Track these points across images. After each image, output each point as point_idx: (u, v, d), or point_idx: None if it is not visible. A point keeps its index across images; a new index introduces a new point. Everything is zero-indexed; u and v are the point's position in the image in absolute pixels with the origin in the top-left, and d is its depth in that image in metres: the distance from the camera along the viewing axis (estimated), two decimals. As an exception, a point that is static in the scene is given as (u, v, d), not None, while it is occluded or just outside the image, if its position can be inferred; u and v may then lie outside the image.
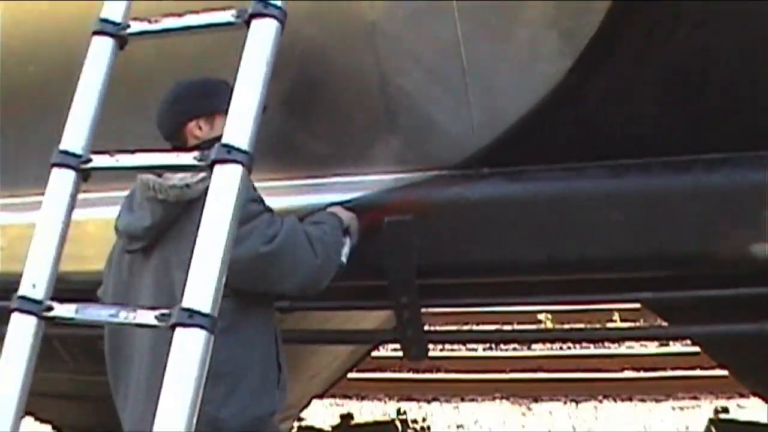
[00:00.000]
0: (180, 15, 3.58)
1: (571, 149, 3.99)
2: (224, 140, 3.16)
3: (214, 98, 3.89)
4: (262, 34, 3.38)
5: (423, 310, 4.38)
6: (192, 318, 2.95)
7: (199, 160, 3.23)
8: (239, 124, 3.21)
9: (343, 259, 4.01)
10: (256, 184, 3.83)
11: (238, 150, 3.15)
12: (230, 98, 3.44)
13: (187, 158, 3.30)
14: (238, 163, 3.13)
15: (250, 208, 3.63)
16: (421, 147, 4.11)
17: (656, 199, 3.93)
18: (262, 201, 3.79)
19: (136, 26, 3.60)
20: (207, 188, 3.25)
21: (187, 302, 2.98)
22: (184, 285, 3.04)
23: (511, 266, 4.04)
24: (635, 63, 3.87)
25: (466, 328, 11.89)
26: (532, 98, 3.90)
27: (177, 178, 3.72)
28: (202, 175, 3.59)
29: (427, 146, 4.10)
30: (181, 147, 3.87)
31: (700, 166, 3.92)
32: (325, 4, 4.15)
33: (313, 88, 4.27)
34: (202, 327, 2.94)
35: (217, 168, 3.16)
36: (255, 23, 3.38)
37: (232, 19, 3.47)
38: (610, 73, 3.88)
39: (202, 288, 3.00)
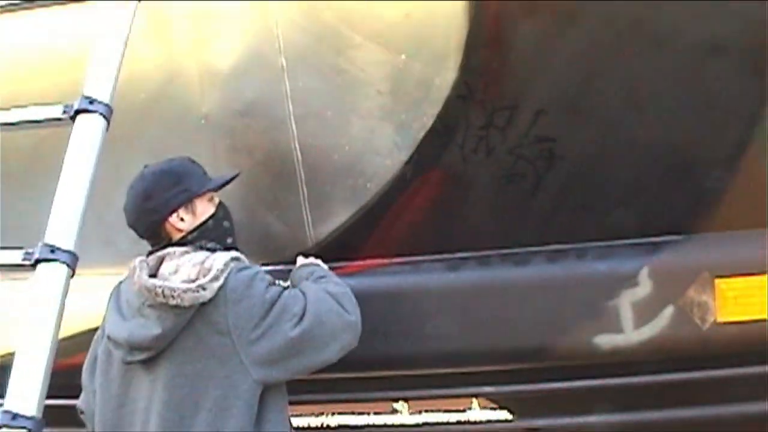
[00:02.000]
0: (7, 109, 3.54)
1: (407, 242, 3.96)
2: (47, 239, 3.20)
3: (187, 183, 3.68)
4: (87, 130, 3.36)
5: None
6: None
7: (24, 260, 3.25)
8: (62, 224, 3.22)
9: None
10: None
11: (62, 250, 3.19)
12: (200, 176, 3.70)
13: (12, 257, 3.34)
14: (62, 263, 3.17)
15: (268, 294, 3.47)
16: (256, 242, 4.05)
17: (496, 292, 3.90)
18: (272, 282, 3.57)
19: (-36, 119, 3.57)
20: (220, 287, 3.38)
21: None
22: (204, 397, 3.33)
23: (347, 362, 3.95)
24: (473, 154, 3.85)
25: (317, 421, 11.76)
26: (367, 191, 3.88)
27: (185, 280, 3.47)
28: (213, 274, 3.43)
29: (262, 241, 4.06)
30: (167, 243, 3.69)
31: (541, 257, 3.91)
32: (159, 99, 4.11)
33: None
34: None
35: (41, 267, 3.20)
36: (80, 119, 3.38)
37: (59, 115, 3.45)
38: (447, 164, 3.86)
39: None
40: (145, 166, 3.77)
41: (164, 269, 3.57)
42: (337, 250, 3.97)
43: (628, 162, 3.83)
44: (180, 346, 3.48)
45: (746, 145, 3.78)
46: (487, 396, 4.24)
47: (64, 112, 3.43)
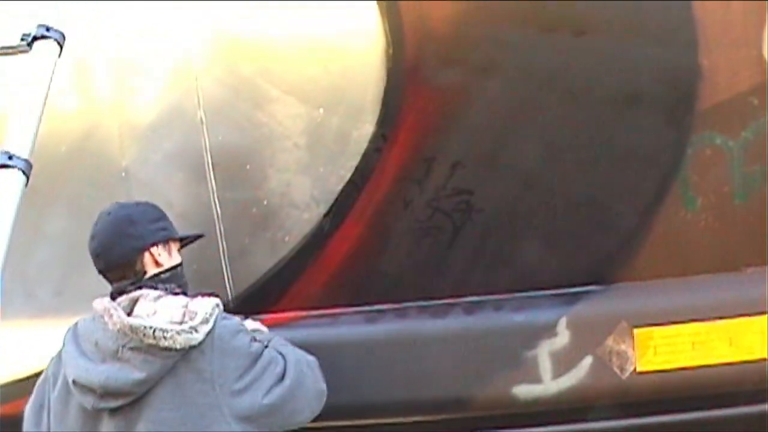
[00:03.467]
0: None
1: (325, 295, 3.97)
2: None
3: (165, 223, 3.64)
4: (5, 187, 3.33)
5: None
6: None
7: None
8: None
9: None
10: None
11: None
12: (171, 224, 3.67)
13: None
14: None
15: (252, 348, 3.40)
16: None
17: (413, 344, 3.90)
18: (251, 335, 3.48)
19: None
20: (208, 332, 3.31)
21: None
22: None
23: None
24: (390, 207, 3.87)
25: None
26: (284, 245, 3.89)
27: (173, 322, 3.34)
28: (202, 317, 3.32)
29: (182, 294, 4.00)
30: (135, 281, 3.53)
31: (459, 309, 3.92)
32: (80, 152, 4.11)
33: (72, 233, 4.14)
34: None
35: None
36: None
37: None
38: (365, 217, 3.88)
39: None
40: (116, 203, 3.68)
41: (140, 311, 3.40)
42: (255, 303, 3.96)
43: (546, 213, 3.87)
44: (158, 392, 3.31)
45: (664, 194, 3.84)
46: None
47: (-19, 167, 3.42)
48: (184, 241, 3.72)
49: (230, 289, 3.96)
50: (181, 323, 3.30)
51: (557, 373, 3.85)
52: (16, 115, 3.30)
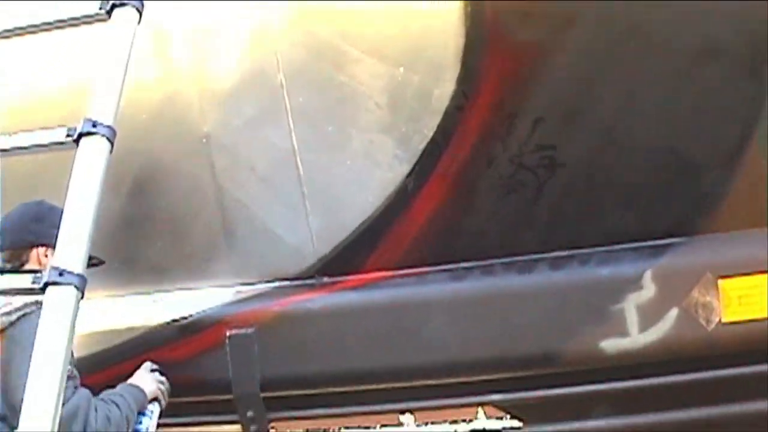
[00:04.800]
0: (9, 134, 3.52)
1: (411, 254, 3.97)
2: (54, 263, 3.11)
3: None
4: (91, 153, 3.33)
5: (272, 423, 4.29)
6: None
7: (33, 283, 3.19)
8: (70, 247, 3.17)
9: (150, 428, 3.93)
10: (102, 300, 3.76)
11: (70, 273, 3.10)
12: None
13: (22, 281, 3.26)
14: (70, 285, 3.09)
15: None
16: (260, 258, 4.07)
17: (501, 300, 3.91)
18: None
19: (-32, 146, 3.54)
20: (11, 322, 3.54)
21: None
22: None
23: (356, 375, 3.99)
24: (474, 164, 3.86)
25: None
26: (370, 204, 3.89)
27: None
28: (12, 306, 3.58)
29: (266, 257, 4.06)
30: (13, 267, 3.76)
31: (545, 264, 3.92)
32: (160, 118, 4.12)
33: (150, 202, 4.21)
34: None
35: (50, 290, 3.11)
36: (84, 142, 3.34)
37: (62, 139, 3.41)
38: (448, 176, 3.86)
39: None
40: (42, 200, 3.93)
41: None
42: (341, 264, 3.98)
43: (629, 166, 3.84)
44: None
45: (745, 145, 3.79)
46: (495, 404, 4.24)
47: (68, 135, 3.40)
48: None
49: (315, 251, 3.98)
50: None
51: (644, 327, 3.83)
52: (98, 84, 3.30)
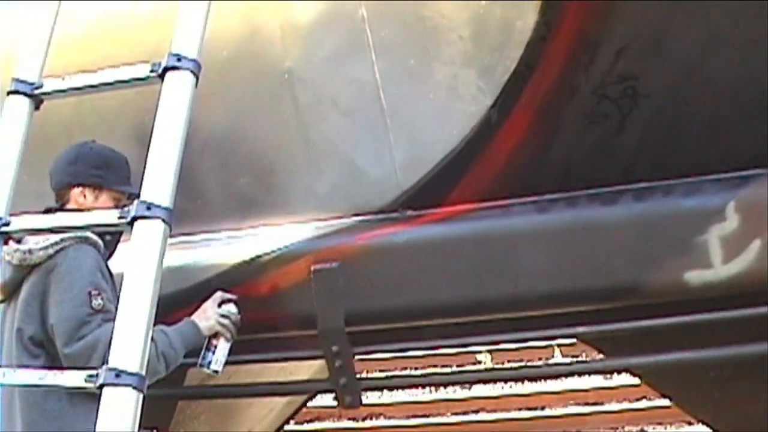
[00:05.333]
0: (95, 71, 3.53)
1: (495, 186, 3.97)
2: (143, 197, 3.12)
3: (107, 173, 3.88)
4: (177, 88, 3.33)
5: (357, 357, 4.31)
6: (120, 377, 2.91)
7: (120, 218, 3.19)
8: (157, 180, 3.17)
9: (215, 366, 3.98)
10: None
11: (158, 206, 3.11)
12: (123, 177, 3.82)
13: (108, 216, 3.27)
14: (158, 219, 3.10)
15: (80, 297, 3.59)
16: (344, 192, 4.08)
17: (585, 232, 3.91)
18: (99, 293, 3.63)
19: (50, 84, 3.55)
20: (49, 256, 3.58)
21: (114, 362, 2.94)
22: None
23: (441, 309, 4.00)
24: (557, 96, 3.84)
25: (404, 372, 11.78)
26: (453, 137, 3.88)
27: (31, 243, 3.68)
28: (50, 242, 3.63)
29: (350, 191, 4.07)
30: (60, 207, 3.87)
31: (629, 196, 3.91)
32: (241, 54, 4.13)
33: (234, 137, 4.23)
34: (130, 386, 2.90)
35: (138, 224, 3.12)
36: (169, 77, 3.34)
37: (147, 74, 3.42)
38: (532, 107, 3.85)
39: (128, 346, 2.96)
40: (93, 141, 4.00)
41: None
42: (425, 197, 3.99)
43: (712, 97, 3.81)
44: (16, 296, 3.79)
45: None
46: (580, 336, 4.25)
47: (152, 70, 3.42)
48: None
49: (400, 185, 3.98)
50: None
51: (727, 258, 3.81)
52: (182, 18, 3.30)
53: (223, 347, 3.99)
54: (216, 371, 3.96)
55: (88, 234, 3.69)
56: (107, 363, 2.99)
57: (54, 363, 3.54)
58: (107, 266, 3.79)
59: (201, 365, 3.98)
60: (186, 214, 3.98)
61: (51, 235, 3.62)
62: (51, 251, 3.62)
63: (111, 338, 3.06)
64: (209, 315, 3.98)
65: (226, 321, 3.99)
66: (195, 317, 3.95)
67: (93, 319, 3.55)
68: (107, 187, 3.86)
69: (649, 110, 3.84)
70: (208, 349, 3.97)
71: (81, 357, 3.47)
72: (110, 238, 3.87)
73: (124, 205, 3.54)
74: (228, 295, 4.06)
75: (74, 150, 3.94)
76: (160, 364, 3.68)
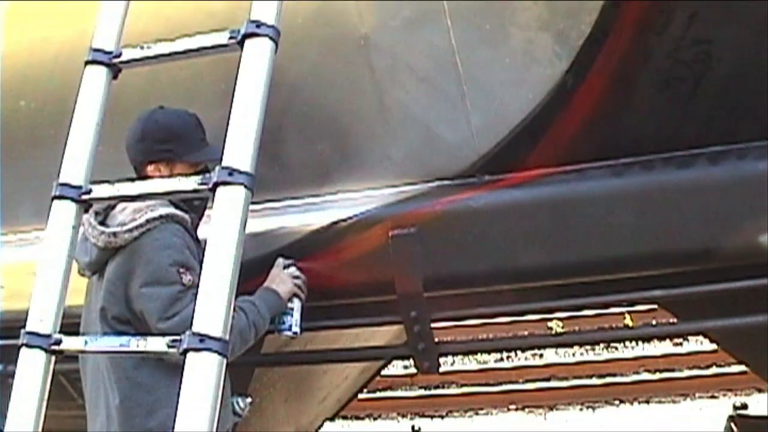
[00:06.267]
0: (172, 39, 3.57)
1: (571, 151, 3.98)
2: (225, 163, 3.16)
3: (176, 146, 3.90)
4: (257, 54, 3.37)
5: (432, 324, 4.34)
6: (203, 342, 2.98)
7: (201, 184, 3.24)
8: (239, 146, 3.21)
9: (296, 329, 4.03)
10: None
11: (240, 172, 3.15)
12: (194, 142, 3.82)
13: (189, 183, 3.32)
14: (240, 185, 3.14)
15: (170, 274, 3.66)
16: (421, 158, 4.09)
17: (660, 196, 3.92)
18: (188, 270, 3.70)
19: (128, 53, 3.61)
20: (135, 238, 3.63)
21: (197, 327, 3.01)
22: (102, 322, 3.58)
23: (518, 273, 4.01)
24: (631, 60, 3.84)
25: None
26: (529, 102, 3.89)
27: (116, 225, 3.75)
28: (135, 223, 3.69)
29: (427, 156, 4.08)
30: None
31: (703, 159, 3.91)
32: (317, 21, 4.16)
33: (310, 104, 4.25)
34: (213, 351, 2.97)
35: (220, 190, 3.16)
36: (249, 44, 3.38)
37: (225, 41, 3.46)
38: (607, 72, 3.85)
39: (212, 312, 3.02)
40: (161, 107, 4.01)
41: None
42: (501, 162, 3.99)
43: (786, 60, 3.80)
44: (101, 274, 3.89)
45: None
46: (657, 299, 4.26)
47: (231, 37, 3.46)
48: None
49: (476, 149, 3.99)
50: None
51: (803, 221, 3.81)
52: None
53: (298, 309, 4.05)
54: (296, 333, 4.02)
55: (173, 211, 3.76)
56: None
57: None
58: (197, 239, 3.85)
59: (280, 330, 4.03)
60: (265, 180, 4.04)
61: (136, 216, 3.69)
62: (136, 233, 3.69)
63: None
64: (284, 278, 4.05)
65: (299, 281, 4.07)
66: (269, 284, 4.02)
67: (185, 295, 3.61)
68: (178, 160, 3.90)
69: (722, 74, 3.83)
70: (284, 313, 4.04)
71: (176, 333, 3.54)
72: (198, 203, 3.93)
73: (206, 170, 3.59)
74: (288, 261, 4.13)
75: (140, 125, 3.95)
76: (251, 333, 3.76)
